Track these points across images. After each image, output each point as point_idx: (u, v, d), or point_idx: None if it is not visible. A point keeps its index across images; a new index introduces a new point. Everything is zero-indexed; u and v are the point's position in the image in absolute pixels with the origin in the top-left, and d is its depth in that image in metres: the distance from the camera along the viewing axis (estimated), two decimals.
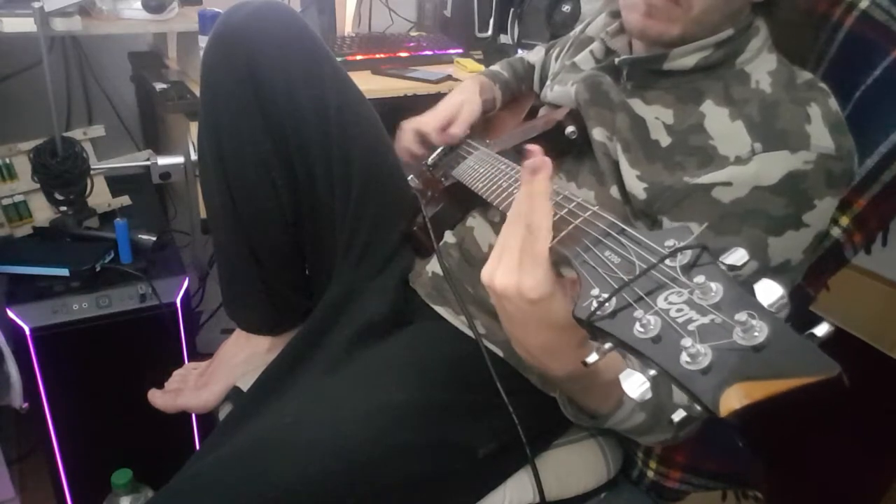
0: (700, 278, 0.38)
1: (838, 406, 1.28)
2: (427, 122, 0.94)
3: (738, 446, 0.91)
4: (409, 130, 0.95)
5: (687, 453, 0.85)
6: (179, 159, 1.22)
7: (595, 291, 0.42)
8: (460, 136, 0.93)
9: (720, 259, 0.39)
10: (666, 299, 0.38)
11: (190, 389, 1.00)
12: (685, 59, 0.72)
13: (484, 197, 0.76)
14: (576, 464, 0.84)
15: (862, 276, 1.29)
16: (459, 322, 0.83)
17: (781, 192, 0.64)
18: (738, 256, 0.39)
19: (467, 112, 0.95)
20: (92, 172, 1.21)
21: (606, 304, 0.40)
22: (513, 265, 0.50)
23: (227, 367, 0.99)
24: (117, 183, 1.35)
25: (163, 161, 1.22)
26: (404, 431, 0.70)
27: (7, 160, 1.21)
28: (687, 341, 0.35)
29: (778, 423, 1.20)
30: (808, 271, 0.78)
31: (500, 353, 0.79)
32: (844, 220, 0.75)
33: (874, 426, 1.28)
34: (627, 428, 0.63)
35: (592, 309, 0.41)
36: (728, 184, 0.65)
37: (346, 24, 1.67)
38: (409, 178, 0.97)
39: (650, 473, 0.86)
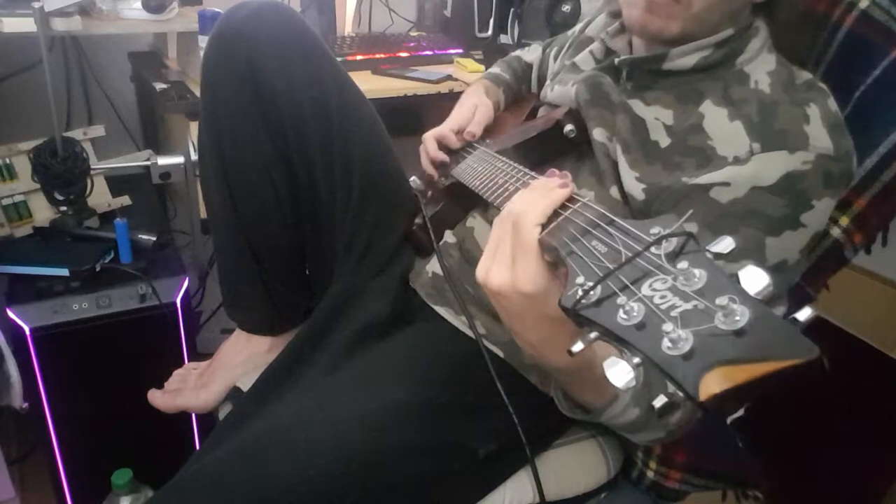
0: (684, 265, 0.38)
1: (839, 406, 1.28)
2: (445, 128, 0.95)
3: (738, 446, 0.91)
4: (430, 139, 0.96)
5: (687, 453, 0.85)
6: (179, 159, 1.22)
7: (580, 280, 0.42)
8: (477, 134, 0.94)
9: (707, 247, 0.39)
10: (650, 286, 0.38)
11: (190, 389, 1.00)
12: (685, 58, 0.72)
13: (483, 196, 0.77)
14: (576, 464, 0.84)
15: (862, 276, 1.29)
16: (460, 322, 0.83)
17: (779, 192, 0.64)
18: (724, 244, 0.39)
19: (481, 113, 0.96)
20: (92, 172, 1.21)
21: (591, 293, 0.40)
22: (506, 261, 0.50)
23: (227, 367, 0.99)
24: (117, 183, 1.35)
25: (163, 161, 1.22)
26: (404, 431, 0.70)
27: (7, 160, 1.21)
28: (668, 327, 0.35)
29: (778, 423, 1.20)
30: (808, 271, 0.78)
31: (501, 354, 0.79)
32: (844, 220, 0.75)
33: (874, 426, 1.28)
34: (622, 423, 0.64)
35: (577, 297, 0.41)
36: (726, 184, 0.65)
37: (346, 24, 1.67)
38: (411, 178, 0.97)
39: (650, 473, 0.86)
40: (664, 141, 0.71)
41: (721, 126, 0.68)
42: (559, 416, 0.68)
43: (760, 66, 0.71)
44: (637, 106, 0.74)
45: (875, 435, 1.28)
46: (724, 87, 0.71)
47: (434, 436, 0.71)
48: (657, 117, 0.73)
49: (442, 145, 0.95)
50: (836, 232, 0.76)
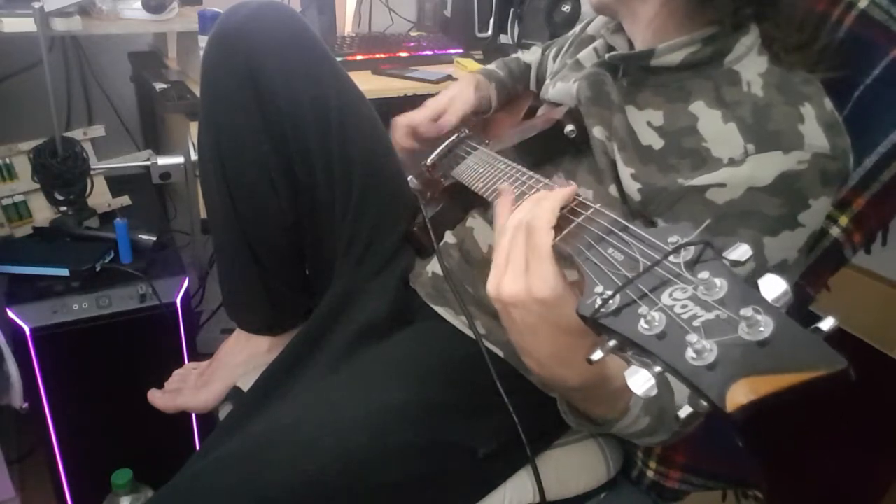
0: (704, 274, 0.37)
1: (838, 406, 1.28)
2: (418, 115, 0.96)
3: (738, 446, 0.91)
4: (401, 125, 0.97)
5: (687, 453, 0.85)
6: (179, 159, 1.23)
7: (599, 289, 0.42)
8: (452, 124, 0.95)
9: (723, 255, 0.39)
10: (670, 295, 0.38)
11: (190, 389, 1.00)
12: (672, 55, 0.72)
13: (483, 196, 0.77)
14: (576, 464, 0.84)
15: (862, 276, 1.29)
16: (460, 322, 0.83)
17: (776, 192, 0.64)
18: (741, 252, 0.39)
19: (459, 104, 0.97)
20: (92, 172, 1.21)
21: (611, 302, 0.40)
22: (520, 270, 0.49)
23: (227, 367, 0.99)
24: (117, 183, 1.35)
25: (163, 161, 1.22)
26: (404, 432, 0.70)
27: (7, 160, 1.21)
28: (692, 337, 0.34)
29: (778, 423, 1.20)
30: (808, 271, 0.78)
31: (501, 354, 0.79)
32: (844, 220, 0.75)
33: (874, 426, 1.28)
34: (632, 432, 0.63)
35: (597, 306, 0.40)
36: (722, 185, 0.65)
37: (346, 24, 1.67)
38: (409, 178, 0.97)
39: (650, 473, 0.86)
40: (657, 143, 0.71)
41: (715, 128, 0.68)
42: (559, 416, 0.68)
43: (751, 67, 0.71)
44: (631, 112, 0.74)
45: (875, 435, 1.28)
46: (715, 88, 0.70)
47: (434, 436, 0.71)
48: (649, 121, 0.73)
49: (417, 134, 0.96)
50: (835, 231, 0.76)
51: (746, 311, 0.34)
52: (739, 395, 0.32)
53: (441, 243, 0.87)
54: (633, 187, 0.71)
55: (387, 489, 0.68)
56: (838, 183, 0.67)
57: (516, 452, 0.72)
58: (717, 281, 0.37)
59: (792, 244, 0.66)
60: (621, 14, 0.78)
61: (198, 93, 1.02)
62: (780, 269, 0.66)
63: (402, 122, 0.97)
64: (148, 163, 1.24)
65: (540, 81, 1.06)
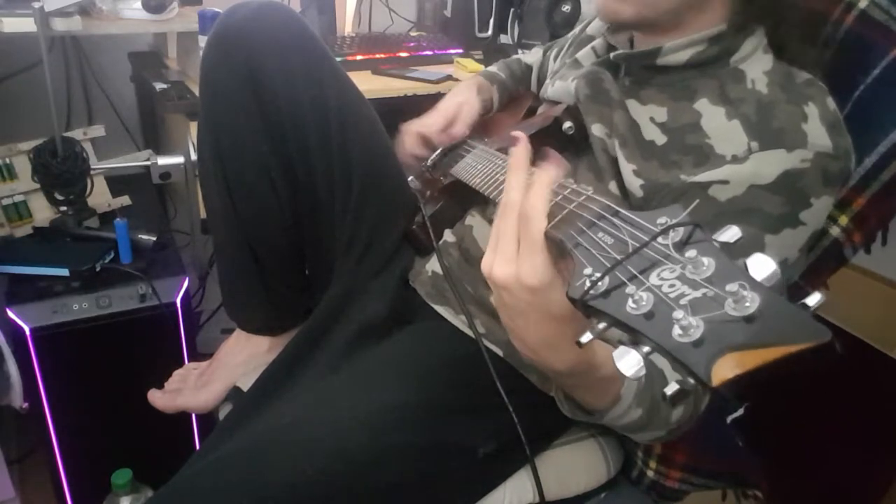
0: (692, 253, 0.38)
1: (839, 406, 1.28)
2: (428, 123, 0.95)
3: (737, 446, 0.91)
4: (411, 133, 0.95)
5: (687, 453, 0.85)
6: (179, 159, 1.23)
7: (588, 271, 0.42)
8: (461, 135, 0.94)
9: (714, 236, 0.39)
10: (658, 275, 0.38)
11: (190, 389, 1.00)
12: (678, 54, 0.72)
13: (482, 192, 0.77)
14: (576, 464, 0.84)
15: (862, 276, 1.29)
16: (459, 322, 0.83)
17: (778, 190, 0.64)
18: (731, 234, 0.39)
19: (467, 112, 0.95)
20: (92, 172, 1.21)
21: (599, 283, 0.40)
22: (510, 254, 0.50)
23: (227, 367, 0.99)
24: (117, 183, 1.35)
25: (163, 161, 1.22)
26: (404, 431, 0.70)
27: (7, 160, 1.21)
28: (679, 314, 0.35)
29: (778, 424, 1.20)
30: (808, 270, 0.78)
31: (500, 353, 0.79)
32: (844, 220, 0.75)
33: (874, 426, 1.28)
34: (624, 424, 0.63)
35: (586, 288, 0.40)
36: (725, 182, 0.65)
37: (346, 24, 1.67)
38: (410, 178, 0.97)
39: (650, 473, 0.86)
40: (660, 139, 0.71)
41: (719, 125, 0.68)
42: (559, 416, 0.68)
43: (756, 66, 0.71)
44: (633, 106, 0.74)
45: (875, 435, 1.28)
46: (720, 86, 0.70)
47: (434, 435, 0.71)
48: (652, 116, 0.73)
49: (428, 143, 0.95)
50: (835, 231, 0.76)
51: (732, 287, 0.34)
52: (725, 369, 0.32)
53: (440, 242, 0.87)
54: (635, 184, 0.71)
55: (387, 489, 0.68)
56: (840, 182, 0.67)
57: (516, 452, 0.72)
58: (705, 260, 0.37)
59: (793, 243, 0.66)
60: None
61: (198, 93, 1.02)
62: (781, 267, 0.66)
63: (412, 129, 0.95)
64: (148, 163, 1.24)
65: (541, 82, 1.06)
